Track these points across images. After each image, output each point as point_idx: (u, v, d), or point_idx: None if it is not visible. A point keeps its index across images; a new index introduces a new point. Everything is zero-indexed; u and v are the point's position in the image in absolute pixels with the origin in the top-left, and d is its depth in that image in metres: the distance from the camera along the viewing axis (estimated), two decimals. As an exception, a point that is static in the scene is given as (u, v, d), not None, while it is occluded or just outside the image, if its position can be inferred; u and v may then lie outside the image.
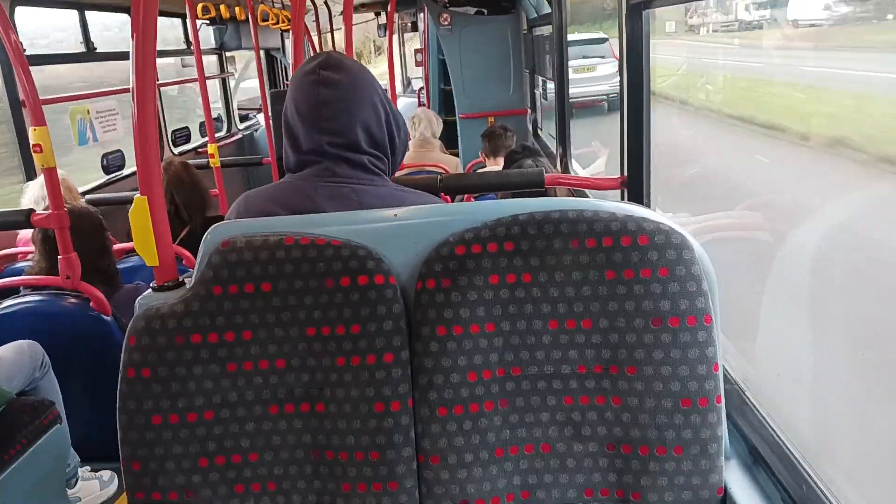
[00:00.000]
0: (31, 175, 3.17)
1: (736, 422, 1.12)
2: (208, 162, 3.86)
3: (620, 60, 1.72)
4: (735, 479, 0.99)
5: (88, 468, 2.27)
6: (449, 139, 4.89)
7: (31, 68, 2.29)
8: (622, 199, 1.83)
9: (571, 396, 0.95)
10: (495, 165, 3.47)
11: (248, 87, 7.40)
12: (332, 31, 7.58)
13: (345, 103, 1.15)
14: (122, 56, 4.57)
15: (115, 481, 2.31)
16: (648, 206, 1.72)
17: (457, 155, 4.79)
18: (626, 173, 1.76)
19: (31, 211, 2.28)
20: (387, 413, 0.94)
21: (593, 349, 0.93)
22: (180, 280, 1.05)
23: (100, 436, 2.09)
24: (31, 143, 2.24)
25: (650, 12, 1.65)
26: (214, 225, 1.00)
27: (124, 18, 4.47)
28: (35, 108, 2.26)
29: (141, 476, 0.97)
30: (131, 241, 2.93)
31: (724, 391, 0.95)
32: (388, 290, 0.94)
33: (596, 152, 3.19)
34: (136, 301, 1.00)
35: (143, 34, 1.04)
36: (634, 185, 1.74)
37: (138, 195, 1.09)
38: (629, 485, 0.95)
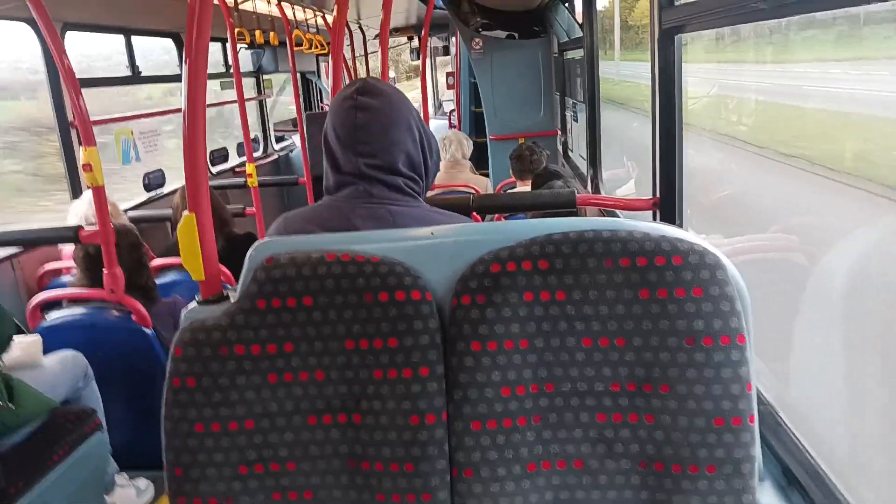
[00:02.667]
0: (76, 193, 3.30)
1: (770, 443, 1.11)
2: (245, 181, 3.97)
3: (653, 84, 1.74)
4: (768, 500, 0.98)
5: (126, 476, 2.33)
6: (479, 160, 4.94)
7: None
8: (654, 219, 1.83)
9: (604, 414, 0.96)
10: (525, 186, 3.50)
11: (281, 110, 7.58)
12: (366, 55, 7.74)
13: (381, 127, 1.20)
14: (166, 79, 4.75)
15: (151, 490, 2.36)
16: (681, 227, 1.72)
17: (487, 176, 4.82)
18: (657, 194, 1.77)
19: (79, 227, 2.37)
20: (422, 426, 0.96)
21: (626, 367, 0.94)
22: (224, 294, 1.09)
23: (137, 445, 2.15)
24: (82, 162, 2.34)
25: (682, 37, 1.67)
26: (258, 242, 1.04)
27: (160, 44, 4.66)
28: (85, 128, 2.36)
29: (183, 482, 1.00)
30: (168, 256, 3.02)
31: (759, 412, 0.94)
32: (425, 306, 0.97)
33: (628, 174, 3.19)
34: (182, 313, 1.05)
35: (196, 58, 1.10)
36: (667, 206, 1.75)
37: (186, 212, 1.14)
38: (661, 502, 0.95)
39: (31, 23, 3.00)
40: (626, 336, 0.94)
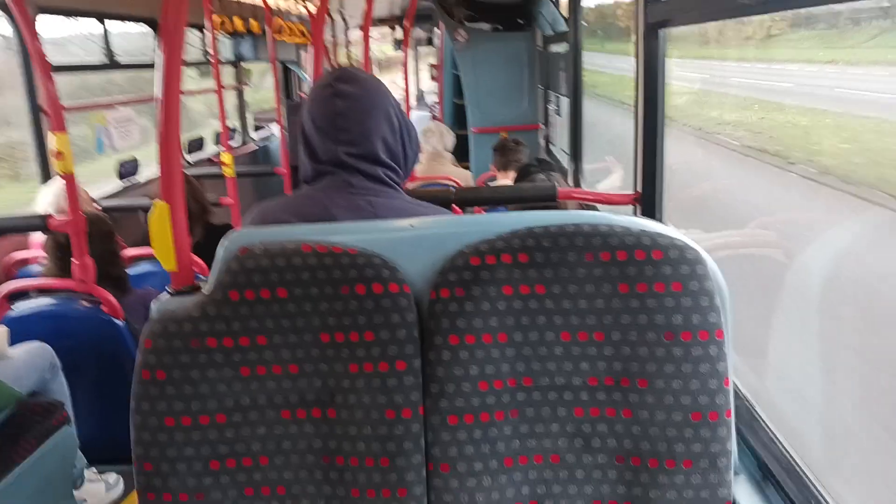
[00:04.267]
0: (46, 180, 3.22)
1: (746, 437, 1.12)
2: (221, 171, 3.91)
3: (636, 78, 1.74)
4: (744, 494, 0.98)
5: (94, 470, 2.28)
6: (461, 153, 4.92)
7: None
8: (634, 214, 1.84)
9: (582, 408, 0.95)
10: (506, 179, 3.49)
11: (259, 97, 7.50)
12: (346, 44, 7.67)
13: (360, 114, 1.18)
14: (143, 66, 4.65)
15: (121, 484, 2.32)
16: (661, 221, 1.73)
17: (468, 168, 4.81)
18: (639, 189, 1.77)
19: (48, 215, 2.31)
20: (398, 420, 0.95)
21: (605, 361, 0.94)
22: (197, 285, 1.06)
23: (106, 438, 2.11)
24: (52, 149, 2.28)
25: (666, 31, 1.67)
26: (231, 231, 1.02)
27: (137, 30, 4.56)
28: (56, 114, 2.30)
29: (152, 476, 0.98)
30: (140, 247, 2.95)
31: (735, 407, 0.95)
32: (403, 299, 0.95)
33: (609, 168, 3.20)
34: (152, 304, 1.02)
35: (171, 46, 1.07)
36: (647, 201, 1.75)
37: (158, 201, 1.11)
38: (638, 497, 0.95)
39: (3, 6, 2.91)
40: (605, 330, 0.93)
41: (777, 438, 1.06)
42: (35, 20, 3.23)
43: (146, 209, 3.07)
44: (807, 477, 0.98)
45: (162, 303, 1.01)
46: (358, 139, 1.18)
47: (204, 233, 2.89)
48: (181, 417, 0.96)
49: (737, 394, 1.14)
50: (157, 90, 1.08)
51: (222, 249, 0.98)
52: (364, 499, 0.96)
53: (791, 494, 0.99)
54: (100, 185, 4.07)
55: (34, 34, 2.29)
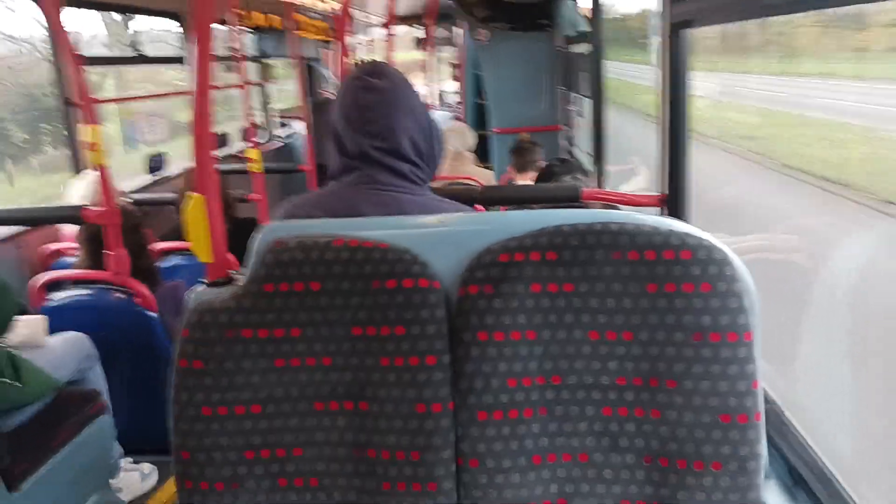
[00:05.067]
0: (77, 172, 3.28)
1: (775, 441, 1.11)
2: (246, 167, 3.95)
3: (661, 78, 1.73)
4: (774, 498, 0.98)
5: (130, 460, 2.32)
6: (482, 153, 4.92)
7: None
8: (661, 216, 1.83)
9: (610, 407, 0.96)
10: (524, 181, 3.49)
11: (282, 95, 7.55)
12: (370, 42, 7.69)
13: (388, 108, 1.20)
14: (170, 60, 4.72)
15: (155, 474, 2.35)
16: (688, 223, 1.72)
17: (490, 168, 4.81)
18: (665, 190, 1.77)
19: (83, 207, 2.36)
20: (427, 415, 0.96)
21: (633, 361, 0.94)
22: (231, 277, 1.08)
23: (141, 429, 2.14)
24: (86, 141, 2.32)
25: (690, 32, 1.66)
26: (265, 225, 1.04)
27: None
28: (87, 107, 2.34)
29: (190, 465, 1.00)
30: (170, 240, 2.98)
31: (764, 411, 0.94)
32: (432, 295, 0.96)
33: (634, 170, 3.19)
34: (187, 295, 1.04)
35: (202, 41, 1.09)
36: (674, 202, 1.75)
37: (194, 194, 1.13)
38: (666, 498, 0.95)
39: None
40: (633, 330, 0.93)
41: (808, 443, 1.05)
42: (61, 11, 3.30)
43: (175, 203, 3.13)
44: (838, 482, 0.97)
45: (198, 293, 1.03)
46: (385, 132, 1.20)
47: (230, 227, 2.93)
48: (217, 407, 0.98)
49: (766, 398, 1.14)
50: (192, 85, 1.10)
51: (257, 242, 1.00)
52: (395, 492, 0.97)
53: (822, 499, 0.98)
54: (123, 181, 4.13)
55: (60, 26, 2.31)
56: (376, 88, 1.20)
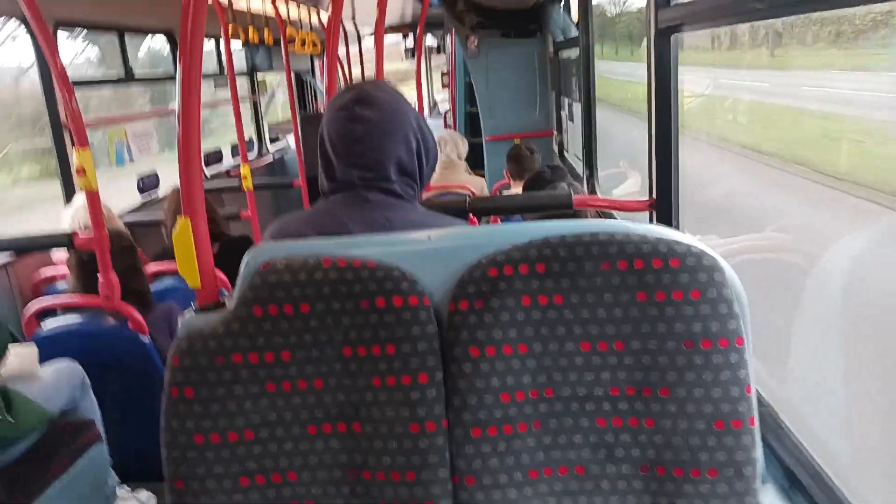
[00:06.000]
0: (70, 195, 3.27)
1: (771, 445, 1.11)
2: (240, 184, 3.94)
3: (648, 83, 1.73)
4: (771, 502, 0.98)
5: (127, 488, 2.30)
6: (474, 161, 4.93)
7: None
8: (650, 221, 1.83)
9: (604, 418, 0.95)
10: (519, 187, 3.49)
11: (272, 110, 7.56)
12: (360, 53, 7.72)
13: (375, 139, 1.19)
14: (161, 79, 4.72)
15: (153, 502, 2.33)
16: (678, 228, 1.72)
17: (482, 176, 4.81)
18: (654, 195, 1.77)
19: (73, 233, 2.35)
20: (422, 434, 0.95)
21: (625, 371, 0.94)
22: (221, 301, 1.08)
23: (137, 456, 2.12)
24: (75, 166, 2.31)
25: (678, 36, 1.67)
26: (253, 247, 1.03)
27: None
28: (79, 130, 2.33)
29: (184, 494, 0.99)
30: (162, 261, 2.96)
31: (759, 414, 0.94)
32: (423, 312, 0.96)
33: (625, 173, 3.18)
34: (179, 322, 1.04)
35: (191, 58, 1.08)
36: (663, 207, 1.75)
37: (181, 217, 1.12)
38: None
39: (24, 20, 2.95)
40: (625, 339, 0.93)
41: (803, 446, 1.05)
42: (55, 34, 3.27)
43: (165, 224, 3.12)
44: (835, 484, 0.97)
45: (187, 320, 1.02)
46: (372, 164, 1.19)
47: (222, 247, 2.91)
48: (210, 434, 0.97)
49: (760, 401, 1.13)
50: (177, 103, 1.09)
51: (245, 265, 1.00)
52: None
53: (819, 502, 0.98)
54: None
55: (54, 48, 2.29)
56: (362, 119, 1.19)
